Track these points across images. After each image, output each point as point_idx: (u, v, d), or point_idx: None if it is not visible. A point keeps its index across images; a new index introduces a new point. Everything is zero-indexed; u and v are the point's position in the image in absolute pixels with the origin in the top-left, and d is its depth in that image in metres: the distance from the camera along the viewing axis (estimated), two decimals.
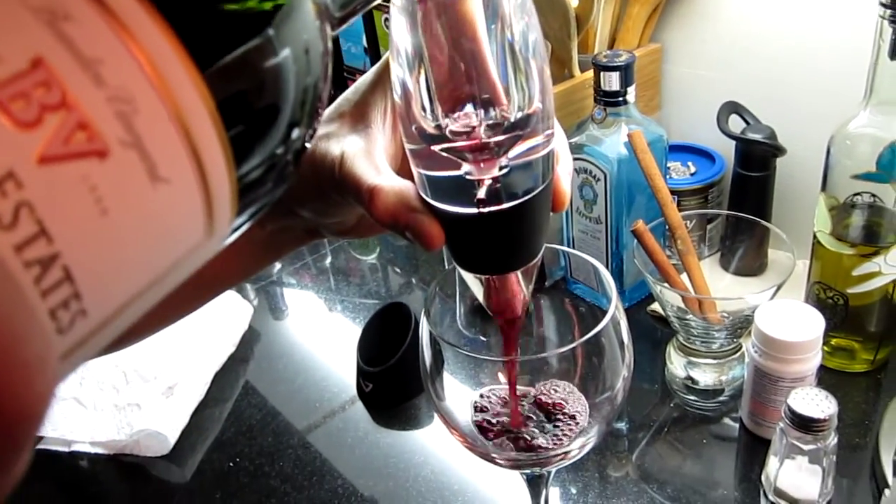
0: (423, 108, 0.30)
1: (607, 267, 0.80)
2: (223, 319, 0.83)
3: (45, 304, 0.14)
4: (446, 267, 0.95)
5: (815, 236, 0.68)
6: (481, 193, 0.31)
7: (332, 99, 0.41)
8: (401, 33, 0.29)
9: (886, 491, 0.56)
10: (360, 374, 0.74)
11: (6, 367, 0.12)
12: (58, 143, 0.14)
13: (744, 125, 0.78)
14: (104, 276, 0.15)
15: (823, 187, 0.66)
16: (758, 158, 0.76)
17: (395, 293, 0.95)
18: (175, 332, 0.81)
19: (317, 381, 0.79)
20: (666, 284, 0.67)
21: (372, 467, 0.68)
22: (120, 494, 0.71)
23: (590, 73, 0.76)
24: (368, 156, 0.36)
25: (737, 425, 0.68)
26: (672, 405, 0.71)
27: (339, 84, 1.20)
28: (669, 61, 0.88)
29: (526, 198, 0.32)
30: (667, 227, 0.70)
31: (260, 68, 0.19)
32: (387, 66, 0.38)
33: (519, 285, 0.38)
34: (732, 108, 0.78)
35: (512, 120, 0.30)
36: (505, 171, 0.31)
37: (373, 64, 1.12)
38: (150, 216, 0.16)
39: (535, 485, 0.51)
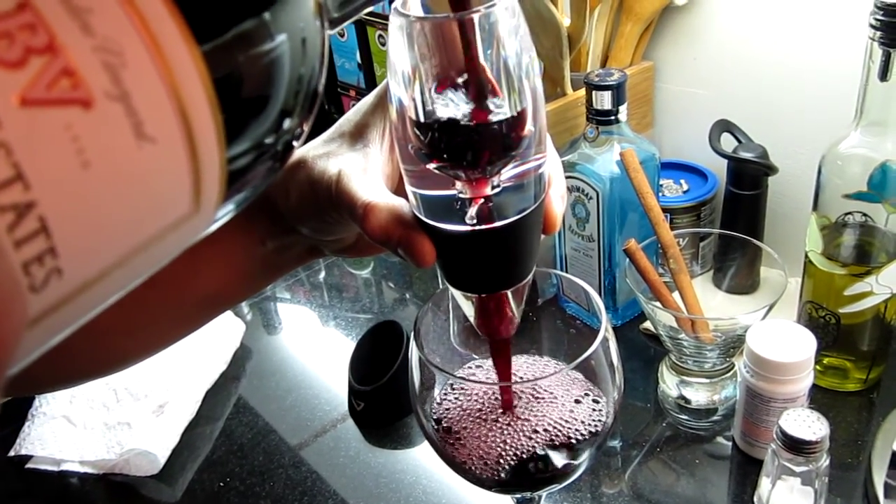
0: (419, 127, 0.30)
1: (600, 285, 0.80)
2: (215, 337, 0.83)
3: (18, 255, 0.13)
4: (440, 284, 0.95)
5: (806, 256, 0.68)
6: (473, 212, 0.32)
7: (333, 121, 0.42)
8: (399, 52, 0.29)
9: None
10: (352, 392, 0.74)
11: None
12: (41, 86, 0.13)
13: (736, 144, 0.78)
14: (83, 234, 0.14)
15: (815, 207, 0.66)
16: (750, 177, 0.76)
17: (389, 309, 0.95)
18: (166, 351, 0.81)
19: (308, 399, 0.79)
20: (658, 304, 0.67)
21: (363, 487, 0.68)
22: None
23: (582, 92, 0.76)
24: (365, 174, 0.37)
25: (729, 445, 0.68)
26: (665, 424, 0.71)
27: (334, 99, 1.20)
28: (661, 79, 0.89)
29: (516, 218, 0.32)
30: (659, 245, 0.70)
31: (256, 45, 0.19)
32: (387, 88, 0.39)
33: (509, 306, 0.38)
34: (724, 126, 0.79)
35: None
36: (497, 190, 0.32)
37: (366, 80, 1.12)
38: (133, 175, 0.15)
39: None
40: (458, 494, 0.66)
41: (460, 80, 0.29)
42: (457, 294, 0.38)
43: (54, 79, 0.13)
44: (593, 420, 0.44)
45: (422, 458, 0.70)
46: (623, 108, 0.72)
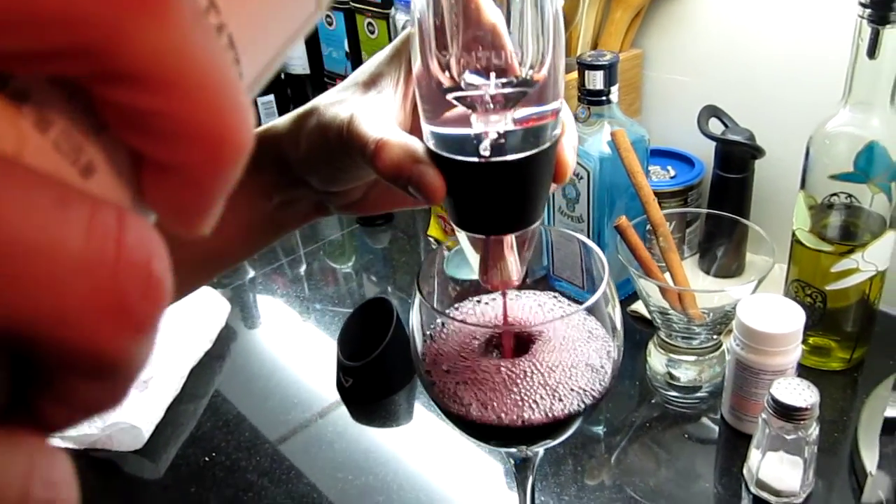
0: (441, 55, 0.31)
1: (587, 266, 0.81)
2: (200, 315, 0.82)
3: None
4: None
5: (793, 234, 0.69)
6: (486, 144, 0.32)
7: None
8: None
9: (870, 478, 0.57)
10: (341, 369, 0.74)
11: (233, 107, 0.14)
12: None
13: (723, 128, 0.79)
14: (254, 43, 0.17)
15: (802, 186, 0.67)
16: (737, 160, 0.77)
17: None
18: None
19: (294, 379, 0.78)
20: (649, 278, 0.68)
21: (351, 461, 0.67)
22: (91, 491, 0.69)
23: (573, 75, 0.77)
24: (377, 116, 0.37)
25: (717, 423, 0.68)
26: (652, 402, 0.71)
27: (320, 89, 1.20)
28: (650, 67, 0.90)
29: (529, 153, 0.32)
30: (648, 224, 0.71)
31: None
32: (405, 41, 0.39)
33: (514, 255, 0.38)
34: (712, 111, 0.80)
35: (522, 76, 0.31)
36: (510, 128, 0.32)
37: (354, 69, 1.12)
38: None
39: (522, 469, 0.51)
40: (447, 467, 0.66)
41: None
42: (464, 242, 0.38)
43: None
44: (594, 374, 0.44)
45: (411, 433, 0.70)
46: (615, 90, 0.73)
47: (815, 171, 0.66)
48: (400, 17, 0.95)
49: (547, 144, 0.33)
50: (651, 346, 0.73)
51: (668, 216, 0.77)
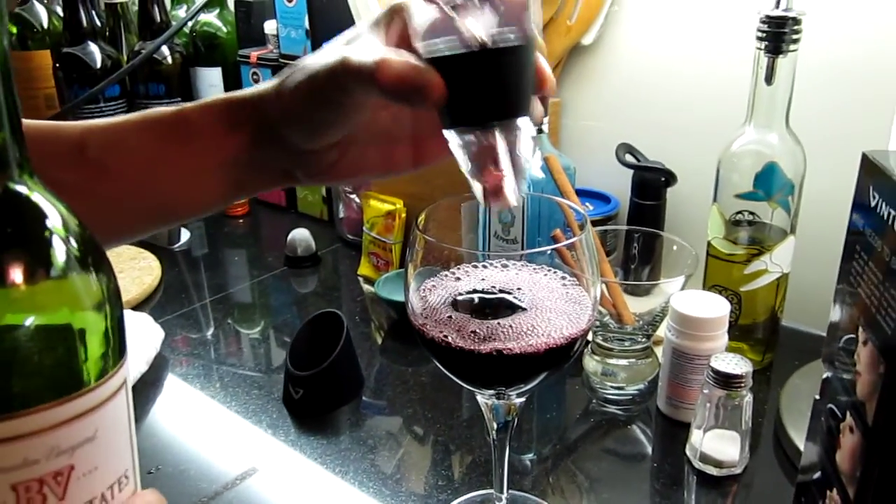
0: None
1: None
2: (134, 339, 0.80)
3: None
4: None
5: (708, 244, 0.77)
6: (471, 34, 0.37)
7: None
8: None
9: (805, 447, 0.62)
10: (290, 380, 0.73)
11: None
12: None
13: (636, 162, 0.88)
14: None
15: (715, 199, 0.76)
16: (652, 188, 0.86)
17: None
18: None
19: (239, 395, 0.77)
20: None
21: (301, 469, 0.67)
22: None
23: None
24: (369, 49, 0.40)
25: (652, 417, 0.73)
26: (591, 404, 0.75)
27: None
28: (566, 115, 0.99)
29: (512, 45, 0.38)
30: None
31: None
32: (385, 14, 0.44)
33: (510, 172, 0.41)
34: (626, 148, 0.89)
35: None
36: (495, 33, 0.38)
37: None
38: None
39: (502, 432, 0.53)
40: (396, 481, 0.66)
41: None
42: (465, 169, 0.42)
43: None
44: (569, 320, 0.48)
45: (359, 444, 0.70)
46: (546, 121, 0.81)
47: (723, 190, 0.75)
48: None
49: (526, 43, 0.39)
50: (586, 351, 0.78)
51: (597, 230, 0.83)
